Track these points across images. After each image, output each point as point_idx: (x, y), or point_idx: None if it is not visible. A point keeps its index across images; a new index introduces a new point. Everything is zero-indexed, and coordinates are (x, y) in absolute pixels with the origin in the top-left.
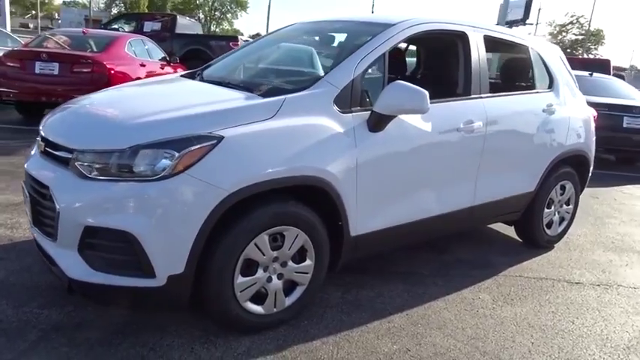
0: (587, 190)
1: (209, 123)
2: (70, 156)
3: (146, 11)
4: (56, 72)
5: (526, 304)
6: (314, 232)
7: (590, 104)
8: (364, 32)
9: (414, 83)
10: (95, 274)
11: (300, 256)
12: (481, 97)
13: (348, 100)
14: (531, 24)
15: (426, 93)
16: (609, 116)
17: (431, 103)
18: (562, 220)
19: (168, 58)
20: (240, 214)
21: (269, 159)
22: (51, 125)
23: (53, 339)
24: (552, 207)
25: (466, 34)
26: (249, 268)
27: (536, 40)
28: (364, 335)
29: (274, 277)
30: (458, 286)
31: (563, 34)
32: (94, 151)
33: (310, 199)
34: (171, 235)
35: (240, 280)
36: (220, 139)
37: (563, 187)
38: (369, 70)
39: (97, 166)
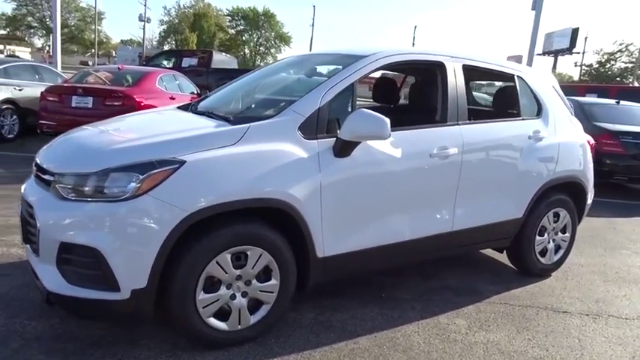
0: (605, 220)
1: (174, 148)
2: (52, 179)
3: (195, 48)
4: (90, 105)
5: (502, 330)
6: (278, 253)
7: (614, 132)
8: (341, 64)
9: (401, 111)
10: (70, 288)
11: (265, 275)
12: (458, 124)
13: (314, 127)
14: (578, 53)
15: (386, 120)
16: (634, 145)
17: (403, 129)
18: (558, 248)
19: (199, 92)
20: (202, 233)
21: (229, 182)
22: (43, 152)
23: (33, 347)
24: (545, 234)
25: (443, 64)
26: (213, 285)
27: (524, 68)
28: (326, 355)
29: (238, 295)
30: (436, 312)
31: (612, 62)
32: (71, 174)
33: (275, 221)
34: (133, 251)
35: (202, 296)
36: (182, 163)
37: (556, 215)
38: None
39: (74, 187)
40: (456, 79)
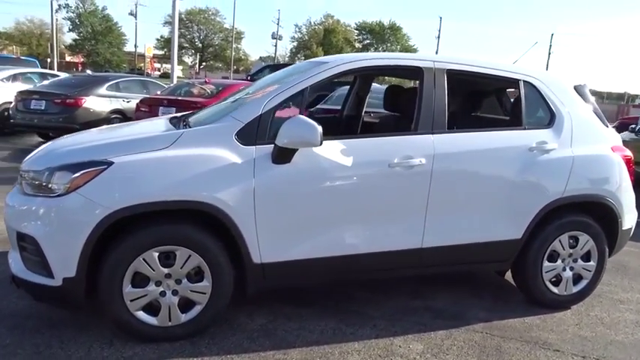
0: None
1: (109, 151)
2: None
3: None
4: None
5: None
6: (209, 255)
7: None
8: (306, 70)
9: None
10: (26, 272)
11: (197, 276)
12: (432, 133)
13: (254, 133)
14: None
15: (317, 127)
16: None
17: (360, 137)
18: (579, 278)
19: None
20: (130, 230)
21: (153, 183)
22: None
23: (2, 322)
24: (558, 261)
25: (421, 69)
26: (142, 280)
27: (536, 73)
28: None
29: (168, 293)
30: (397, 333)
31: None
32: (28, 171)
33: (209, 224)
34: (62, 242)
35: (129, 289)
36: (110, 164)
37: (574, 239)
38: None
39: (31, 183)
40: (434, 85)
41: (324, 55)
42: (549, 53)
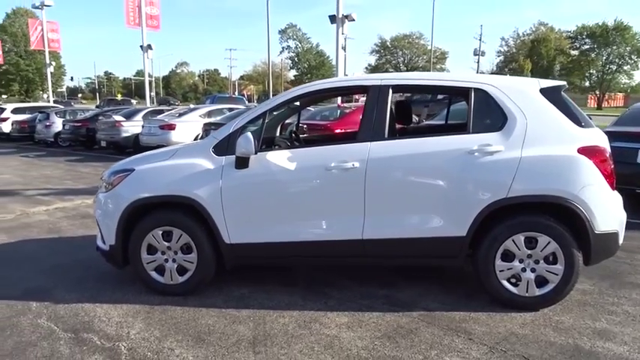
0: None
1: (137, 162)
2: None
3: (529, 75)
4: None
5: (363, 332)
6: (194, 234)
7: None
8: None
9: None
10: (100, 242)
11: (188, 249)
12: (370, 141)
13: (225, 147)
14: None
15: (251, 140)
16: None
17: (304, 147)
18: (544, 281)
19: (417, 120)
20: (145, 215)
21: (156, 183)
22: None
23: (93, 275)
24: (515, 261)
25: (367, 87)
26: (154, 250)
27: (492, 80)
28: (209, 312)
29: (170, 260)
30: (337, 309)
31: None
32: (103, 176)
33: (195, 212)
34: (108, 221)
35: (145, 256)
36: (133, 170)
37: (532, 240)
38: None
39: (103, 184)
40: (377, 101)
41: (533, 67)
42: None
